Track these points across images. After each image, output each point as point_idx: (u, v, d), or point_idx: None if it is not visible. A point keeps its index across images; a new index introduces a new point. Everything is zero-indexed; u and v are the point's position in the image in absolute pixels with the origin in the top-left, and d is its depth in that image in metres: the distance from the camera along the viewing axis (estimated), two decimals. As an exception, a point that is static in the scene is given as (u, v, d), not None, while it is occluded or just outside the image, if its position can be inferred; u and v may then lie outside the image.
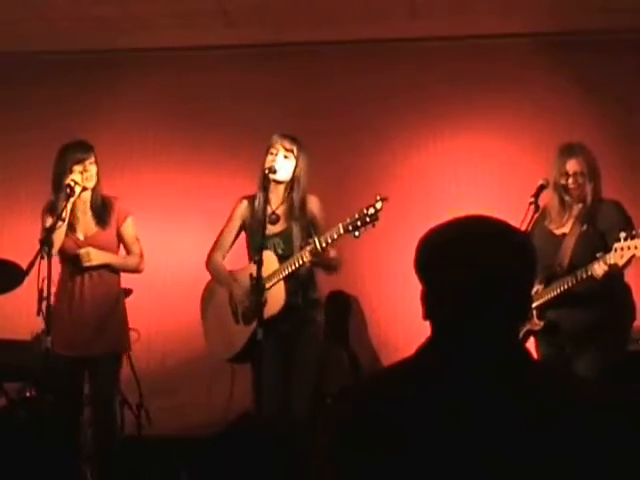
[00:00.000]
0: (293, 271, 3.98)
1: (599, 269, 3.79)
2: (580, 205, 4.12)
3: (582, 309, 4.00)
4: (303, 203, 4.13)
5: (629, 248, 3.69)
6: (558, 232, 4.16)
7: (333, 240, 3.89)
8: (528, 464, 1.43)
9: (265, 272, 3.92)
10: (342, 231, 3.86)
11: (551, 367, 1.68)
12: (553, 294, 4.01)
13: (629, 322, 4.13)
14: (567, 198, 4.12)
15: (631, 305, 4.13)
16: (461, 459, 1.44)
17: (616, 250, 3.72)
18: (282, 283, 4.00)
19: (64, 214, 4.16)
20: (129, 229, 4.40)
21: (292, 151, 4.08)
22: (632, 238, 3.69)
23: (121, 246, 4.45)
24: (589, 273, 3.83)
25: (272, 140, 4.12)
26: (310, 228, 4.11)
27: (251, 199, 4.21)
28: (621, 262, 3.72)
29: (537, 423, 1.45)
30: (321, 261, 3.98)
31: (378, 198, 3.82)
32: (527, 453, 1.44)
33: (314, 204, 4.18)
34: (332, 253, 4.05)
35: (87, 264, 4.21)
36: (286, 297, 3.98)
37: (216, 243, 4.29)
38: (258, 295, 3.84)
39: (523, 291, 1.59)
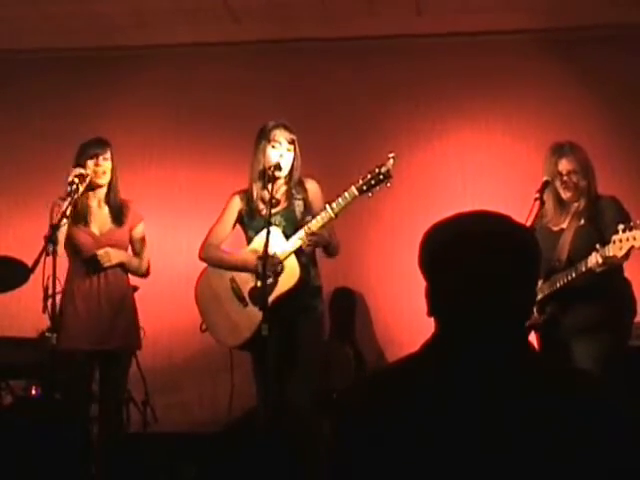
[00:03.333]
0: (309, 239, 3.93)
1: (594, 261, 3.81)
2: (577, 203, 4.13)
3: (582, 304, 4.01)
4: (300, 182, 4.13)
5: (627, 240, 3.70)
6: (556, 229, 4.18)
7: (347, 203, 3.87)
8: (531, 461, 1.43)
9: (274, 248, 3.92)
10: (356, 192, 3.85)
11: (556, 364, 1.67)
12: (552, 289, 4.02)
13: (630, 317, 4.13)
14: (564, 197, 4.13)
15: (632, 300, 4.13)
16: (466, 456, 1.44)
17: (615, 242, 3.73)
18: (295, 258, 3.98)
19: (68, 211, 4.18)
20: (140, 233, 4.47)
21: (293, 142, 4.07)
22: (630, 230, 3.71)
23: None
24: (588, 266, 3.84)
25: (271, 132, 4.06)
26: (309, 210, 4.10)
27: (243, 194, 4.19)
28: (620, 254, 3.72)
29: (541, 421, 1.45)
30: (322, 237, 3.95)
31: (389, 155, 3.83)
32: (530, 450, 1.43)
33: (314, 188, 4.17)
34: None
35: (107, 264, 4.24)
36: (300, 271, 3.96)
37: (210, 234, 4.25)
38: (263, 288, 3.82)
39: (527, 288, 1.59)
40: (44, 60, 6.51)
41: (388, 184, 3.84)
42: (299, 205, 4.09)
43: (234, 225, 4.25)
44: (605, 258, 3.76)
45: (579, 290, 3.97)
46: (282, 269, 3.96)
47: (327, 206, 3.89)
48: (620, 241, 3.71)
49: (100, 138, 4.36)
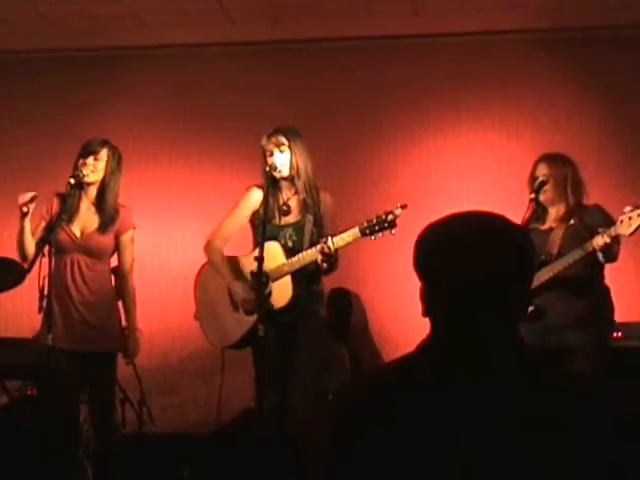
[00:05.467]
0: (300, 268, 3.98)
1: (600, 240, 3.83)
2: (553, 209, 4.21)
3: (568, 300, 4.05)
4: (316, 195, 4.13)
5: (638, 216, 3.73)
6: (545, 227, 4.24)
7: (347, 242, 3.89)
8: (531, 458, 1.43)
9: (270, 264, 3.91)
10: (359, 234, 3.86)
11: (551, 364, 1.67)
12: (543, 279, 4.04)
13: (610, 317, 4.19)
14: (540, 198, 4.22)
15: (610, 304, 4.18)
16: (464, 454, 1.44)
17: (622, 221, 3.77)
18: (289, 276, 3.99)
19: (63, 213, 4.18)
20: (128, 241, 4.35)
21: (284, 144, 4.09)
22: (638, 207, 3.74)
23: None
24: (593, 247, 3.86)
25: (263, 143, 4.10)
26: (320, 224, 4.11)
27: (262, 188, 4.17)
28: (628, 231, 3.76)
29: (539, 419, 1.45)
30: (331, 260, 3.96)
31: (398, 205, 3.84)
32: (529, 448, 1.44)
33: (328, 202, 4.18)
34: None
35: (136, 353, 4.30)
36: (293, 291, 3.97)
37: (219, 228, 4.23)
38: (259, 292, 3.83)
39: (522, 287, 1.59)
40: (40, 60, 6.50)
41: (392, 232, 3.85)
42: (310, 220, 4.09)
43: (246, 220, 4.22)
44: (612, 238, 3.80)
45: (564, 285, 4.02)
46: (270, 293, 3.96)
47: (329, 238, 3.89)
48: (629, 219, 3.74)
49: (101, 139, 4.32)
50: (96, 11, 5.90)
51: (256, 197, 4.17)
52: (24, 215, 4.13)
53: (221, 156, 6.26)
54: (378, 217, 3.86)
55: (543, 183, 4.19)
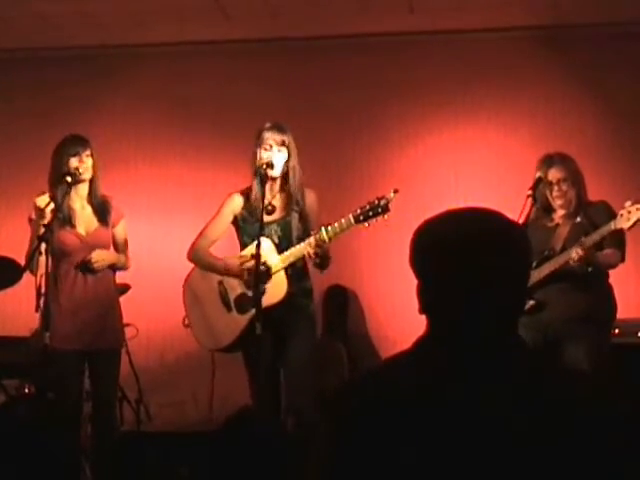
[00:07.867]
0: (296, 261, 3.96)
1: (574, 253, 3.87)
2: (565, 211, 4.19)
3: (569, 296, 4.06)
4: (301, 194, 4.12)
5: (638, 210, 3.75)
6: (551, 224, 4.24)
7: (342, 230, 3.87)
8: (529, 457, 1.43)
9: (268, 260, 3.90)
10: (353, 221, 3.85)
11: (550, 361, 1.67)
12: (542, 274, 4.05)
13: (613, 315, 4.19)
14: (555, 206, 4.20)
15: (612, 302, 4.18)
16: (461, 454, 1.44)
17: (622, 215, 3.79)
18: (283, 272, 3.98)
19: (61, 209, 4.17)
20: (122, 230, 4.42)
21: (284, 143, 4.06)
22: (638, 202, 3.76)
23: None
24: (601, 236, 3.90)
25: (262, 135, 4.04)
26: (305, 220, 4.10)
27: (244, 193, 4.16)
28: (627, 224, 3.79)
29: (536, 420, 1.45)
30: (323, 253, 3.94)
31: (392, 190, 3.84)
32: (527, 448, 1.43)
33: (312, 200, 4.15)
34: None
35: (101, 268, 4.20)
36: (288, 287, 3.96)
37: (201, 234, 4.19)
38: (256, 287, 3.82)
39: (520, 284, 1.58)
40: (36, 59, 6.50)
41: (386, 217, 3.84)
42: (295, 217, 4.07)
43: (229, 226, 4.21)
44: (585, 250, 3.85)
45: (566, 281, 4.03)
46: (264, 291, 3.92)
47: (322, 229, 3.88)
48: (629, 212, 3.77)
49: (79, 135, 4.31)
50: (92, 9, 5.88)
51: (237, 202, 4.14)
52: (41, 218, 4.08)
53: (218, 153, 6.26)
54: (371, 203, 3.85)
55: (541, 179, 4.19)
